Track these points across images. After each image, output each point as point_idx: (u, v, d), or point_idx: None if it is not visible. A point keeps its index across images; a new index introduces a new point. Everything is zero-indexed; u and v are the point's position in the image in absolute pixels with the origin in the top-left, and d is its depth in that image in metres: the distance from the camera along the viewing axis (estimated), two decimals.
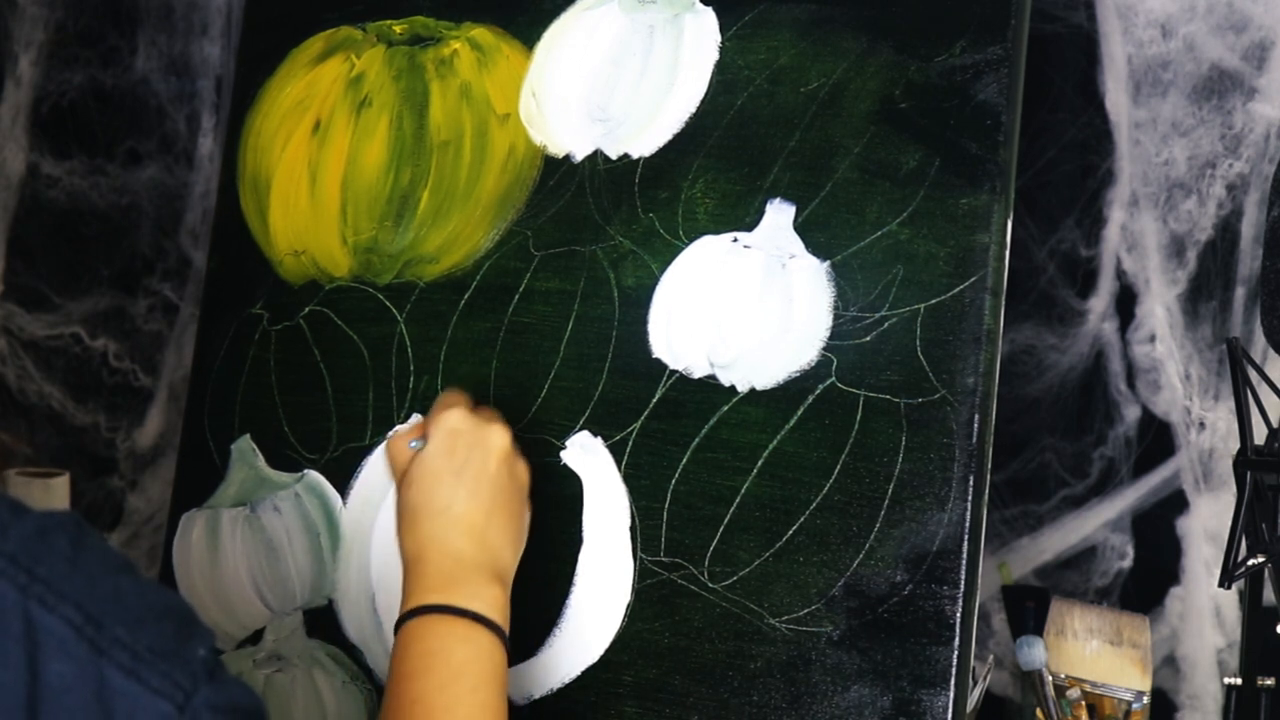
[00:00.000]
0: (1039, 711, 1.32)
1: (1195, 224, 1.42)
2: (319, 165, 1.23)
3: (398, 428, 1.03)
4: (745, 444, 1.04)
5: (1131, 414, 1.47)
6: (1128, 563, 1.49)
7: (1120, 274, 1.46)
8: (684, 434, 1.06)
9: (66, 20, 1.53)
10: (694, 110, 1.11)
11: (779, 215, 1.06)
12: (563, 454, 1.09)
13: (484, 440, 0.96)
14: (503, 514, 0.95)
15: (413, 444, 0.97)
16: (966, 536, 0.97)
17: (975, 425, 0.98)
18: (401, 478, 0.97)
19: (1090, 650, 1.36)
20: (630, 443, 1.07)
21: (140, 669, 0.63)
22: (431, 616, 0.89)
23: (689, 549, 1.04)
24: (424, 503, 0.94)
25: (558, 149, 1.15)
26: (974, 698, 1.16)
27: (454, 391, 1.01)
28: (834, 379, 1.02)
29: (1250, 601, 1.30)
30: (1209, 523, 1.45)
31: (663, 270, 1.09)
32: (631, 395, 1.08)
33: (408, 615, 0.90)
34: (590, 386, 1.09)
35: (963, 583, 0.96)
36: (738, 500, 1.03)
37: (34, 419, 1.55)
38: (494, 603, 0.91)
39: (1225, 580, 1.21)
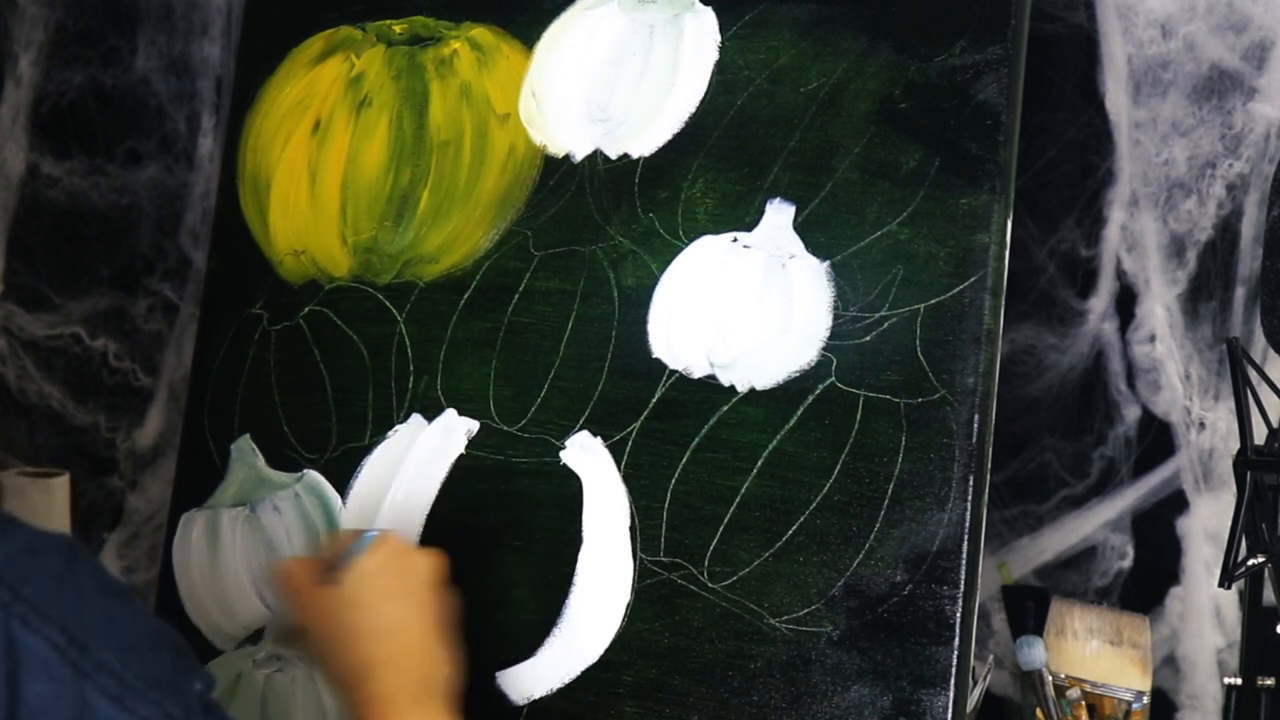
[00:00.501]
0: (1039, 711, 1.32)
1: (1195, 224, 1.42)
2: (319, 165, 1.23)
3: (288, 559, 0.99)
4: (745, 444, 1.04)
5: (1131, 414, 1.47)
6: (1128, 563, 1.49)
7: (1120, 274, 1.46)
8: (684, 434, 1.06)
9: (66, 20, 1.53)
10: (694, 110, 1.11)
11: (779, 215, 1.06)
12: (563, 454, 1.09)
13: (421, 562, 0.95)
14: (438, 636, 0.94)
15: (358, 546, 0.94)
16: (966, 536, 0.97)
17: (975, 425, 0.98)
18: (320, 599, 0.93)
19: (1090, 650, 1.36)
20: (630, 443, 1.07)
21: (126, 696, 0.62)
22: None
23: (689, 549, 1.04)
24: (373, 622, 0.91)
25: (558, 149, 1.15)
26: (974, 698, 1.16)
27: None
28: (834, 379, 1.02)
29: (1250, 601, 1.30)
30: (1209, 523, 1.45)
31: (663, 270, 1.09)
32: (631, 395, 1.08)
33: None
34: (590, 386, 1.09)
35: (963, 583, 0.96)
36: (738, 500, 1.03)
37: (34, 419, 1.55)
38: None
39: (1225, 580, 1.21)
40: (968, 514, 0.97)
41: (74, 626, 0.62)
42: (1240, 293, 1.42)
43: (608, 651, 1.05)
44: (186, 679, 0.65)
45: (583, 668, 1.05)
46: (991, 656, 1.47)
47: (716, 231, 1.08)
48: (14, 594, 0.62)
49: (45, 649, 0.61)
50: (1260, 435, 1.23)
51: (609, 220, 1.12)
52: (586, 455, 1.08)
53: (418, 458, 1.14)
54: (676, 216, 1.09)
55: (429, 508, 1.13)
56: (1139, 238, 1.44)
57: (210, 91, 1.60)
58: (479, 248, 1.16)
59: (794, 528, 1.01)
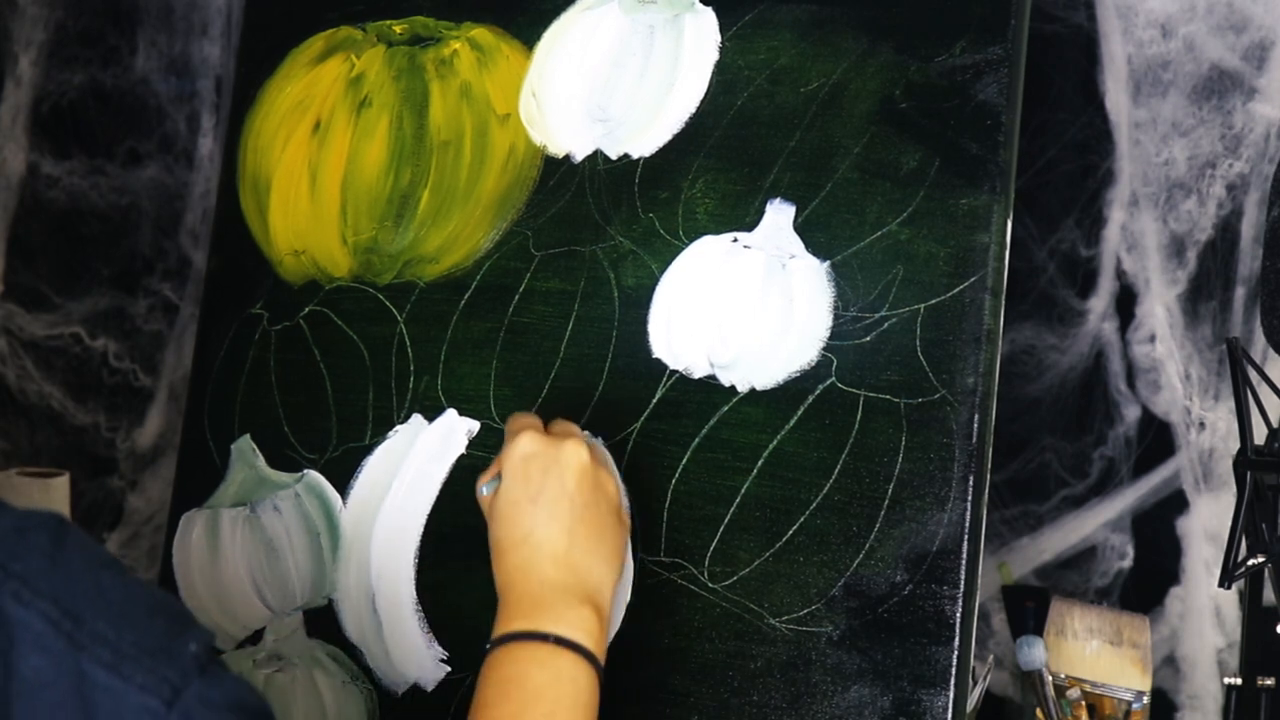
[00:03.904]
0: (1039, 711, 1.32)
1: (1195, 224, 1.42)
2: (319, 165, 1.23)
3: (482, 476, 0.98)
4: (745, 444, 1.04)
5: (1131, 414, 1.47)
6: (1128, 563, 1.49)
7: (1120, 274, 1.46)
8: (684, 434, 1.06)
9: (66, 20, 1.53)
10: (694, 110, 1.11)
11: (779, 215, 1.06)
12: None
13: (558, 459, 0.92)
14: (587, 532, 0.91)
15: (484, 488, 0.95)
16: (966, 536, 0.97)
17: (975, 425, 0.98)
18: (488, 516, 0.95)
19: (1090, 650, 1.36)
20: (630, 443, 1.07)
21: (123, 664, 0.62)
22: (513, 644, 0.87)
23: (689, 549, 1.04)
24: (506, 535, 0.92)
25: (558, 149, 1.15)
26: (974, 698, 1.16)
27: (521, 415, 0.98)
28: (834, 379, 1.02)
29: (1250, 601, 1.30)
30: (1209, 523, 1.45)
31: (663, 270, 1.09)
32: (631, 395, 1.08)
33: (491, 646, 0.88)
34: (590, 386, 1.09)
35: (963, 583, 0.96)
36: (738, 500, 1.03)
37: (34, 419, 1.55)
38: (581, 625, 0.88)
39: (1225, 580, 1.21)
40: (968, 514, 0.97)
41: (66, 599, 0.63)
42: (1240, 293, 1.42)
43: (607, 652, 1.05)
44: (181, 643, 0.65)
45: None
46: (991, 656, 1.47)
47: (717, 231, 1.08)
48: (4, 571, 0.62)
49: (39, 623, 0.62)
50: (1260, 435, 1.23)
51: (609, 220, 1.12)
52: None
53: (418, 458, 1.14)
54: (677, 216, 1.10)
55: (429, 508, 1.13)
56: (1139, 238, 1.44)
57: (210, 91, 1.60)
58: (479, 248, 1.16)
59: (794, 528, 1.01)
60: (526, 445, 0.93)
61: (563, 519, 0.91)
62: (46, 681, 0.61)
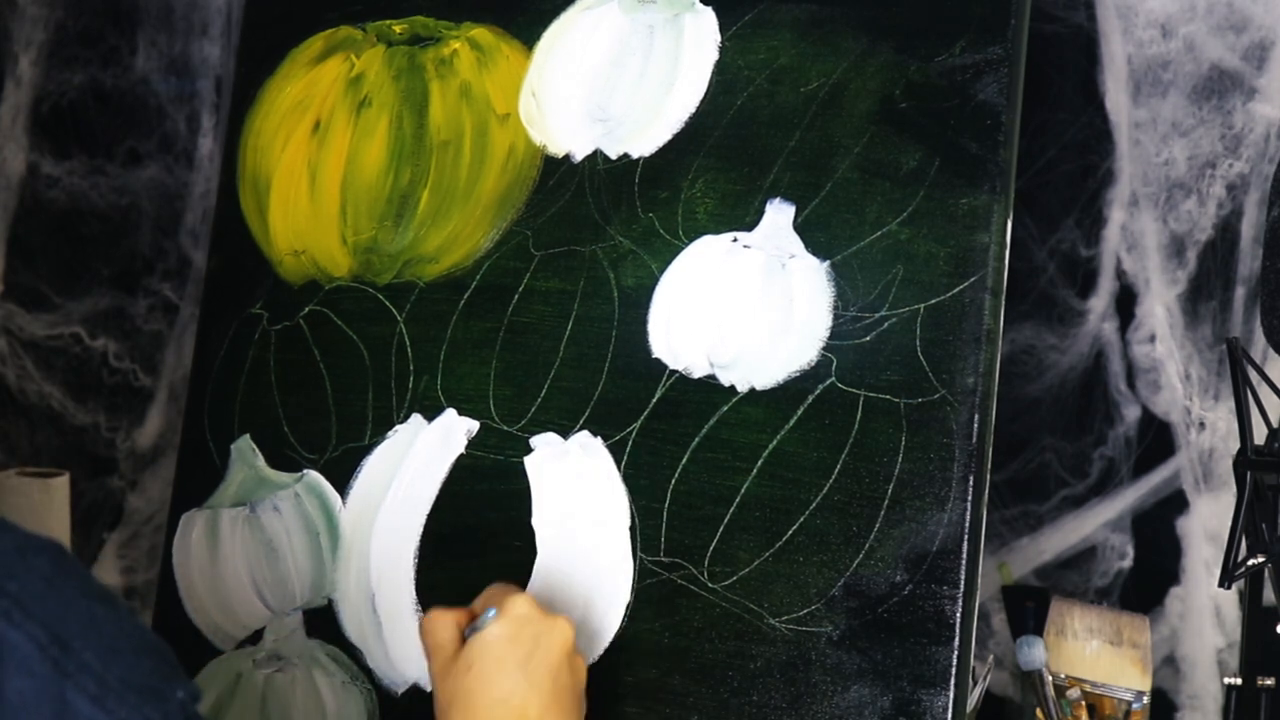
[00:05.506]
0: (1039, 711, 1.32)
1: (1195, 224, 1.42)
2: (319, 165, 1.23)
3: (435, 610, 0.95)
4: (745, 444, 1.04)
5: (1131, 414, 1.47)
6: (1128, 563, 1.49)
7: (1120, 274, 1.46)
8: (684, 434, 1.06)
9: (66, 20, 1.53)
10: (694, 110, 1.11)
11: (779, 215, 1.06)
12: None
13: (551, 631, 0.91)
14: (558, 711, 0.90)
15: (482, 622, 0.92)
16: (966, 536, 0.97)
17: (975, 425, 0.98)
18: (451, 660, 0.92)
19: (1090, 650, 1.36)
20: (630, 443, 1.07)
21: (107, 698, 0.62)
22: None
23: (689, 549, 1.04)
24: (482, 690, 0.90)
25: (558, 149, 1.15)
26: (974, 698, 1.16)
27: (510, 586, 0.96)
28: (834, 379, 1.02)
29: (1250, 601, 1.30)
30: (1209, 523, 1.45)
31: (663, 270, 1.09)
32: (631, 395, 1.08)
33: None
34: (590, 386, 1.09)
35: (963, 583, 0.96)
36: (738, 500, 1.03)
37: (34, 419, 1.55)
38: None
39: (1225, 580, 1.21)
40: (968, 514, 0.97)
41: (57, 625, 0.62)
42: (1240, 293, 1.42)
43: (608, 651, 1.05)
44: (169, 687, 0.64)
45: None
46: (991, 656, 1.47)
47: (716, 231, 1.08)
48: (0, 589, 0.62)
49: (27, 645, 0.61)
50: (1260, 435, 1.23)
51: (609, 220, 1.12)
52: (587, 455, 1.08)
53: (418, 458, 1.14)
54: (676, 216, 1.10)
55: (429, 508, 1.13)
56: (1139, 238, 1.44)
57: (210, 91, 1.60)
58: (479, 248, 1.16)
59: (794, 528, 1.01)
60: (524, 608, 0.92)
61: (544, 691, 0.90)
62: (28, 705, 0.61)
